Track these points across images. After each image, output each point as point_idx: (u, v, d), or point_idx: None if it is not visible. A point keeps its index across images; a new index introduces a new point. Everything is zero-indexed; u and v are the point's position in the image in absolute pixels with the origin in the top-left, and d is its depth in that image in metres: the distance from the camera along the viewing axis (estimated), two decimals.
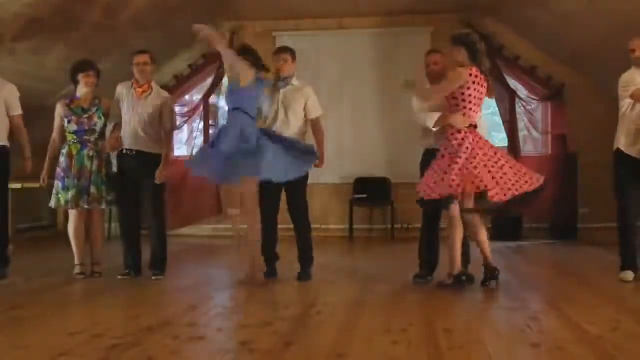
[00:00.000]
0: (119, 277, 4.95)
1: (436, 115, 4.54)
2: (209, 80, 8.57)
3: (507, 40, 8.20)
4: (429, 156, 4.66)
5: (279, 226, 5.06)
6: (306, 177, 4.94)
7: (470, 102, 4.42)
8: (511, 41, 8.19)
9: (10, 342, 3.09)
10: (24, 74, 6.25)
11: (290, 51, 5.08)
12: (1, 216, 4.99)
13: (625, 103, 4.68)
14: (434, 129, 4.57)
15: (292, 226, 5.04)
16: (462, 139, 4.36)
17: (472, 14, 8.18)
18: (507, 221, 7.79)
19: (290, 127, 4.93)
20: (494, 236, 7.66)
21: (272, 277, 4.97)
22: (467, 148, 4.34)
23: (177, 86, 8.27)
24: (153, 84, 5.14)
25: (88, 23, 6.51)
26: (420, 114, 4.71)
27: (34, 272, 5.32)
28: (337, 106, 8.11)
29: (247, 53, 4.86)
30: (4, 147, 5.01)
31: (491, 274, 4.50)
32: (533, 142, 8.22)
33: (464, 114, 4.41)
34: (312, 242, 5.03)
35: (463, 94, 4.40)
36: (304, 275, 4.92)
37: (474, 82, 4.40)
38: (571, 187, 7.78)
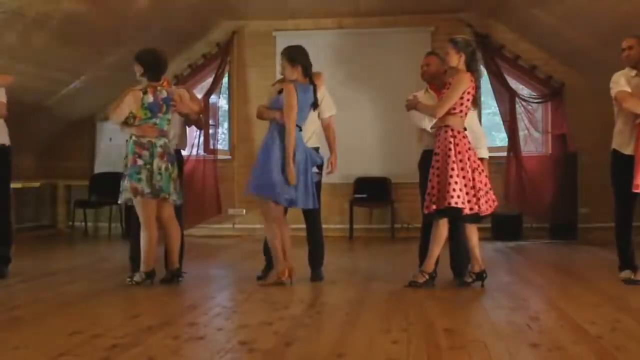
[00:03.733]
0: (128, 280, 4.70)
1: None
2: (209, 80, 8.57)
3: (507, 40, 8.21)
4: (427, 157, 4.68)
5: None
6: (320, 174, 4.94)
7: (466, 107, 4.51)
8: (511, 41, 8.20)
9: (10, 342, 3.09)
10: (23, 74, 6.25)
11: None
12: (4, 215, 4.99)
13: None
14: (431, 130, 4.60)
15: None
16: (459, 139, 4.44)
17: (472, 13, 8.18)
18: (507, 221, 7.80)
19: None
20: (494, 236, 7.71)
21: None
22: (460, 152, 4.42)
23: (177, 86, 8.25)
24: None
25: (88, 22, 6.50)
26: (417, 116, 4.73)
27: (34, 272, 5.32)
28: (337, 106, 8.11)
29: None
30: (4, 145, 5.00)
31: (477, 276, 4.59)
32: (533, 141, 8.23)
33: (460, 117, 4.49)
34: (324, 243, 5.04)
35: (462, 97, 4.46)
36: (317, 275, 4.92)
37: (472, 88, 4.51)
38: (571, 187, 7.78)
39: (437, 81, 4.82)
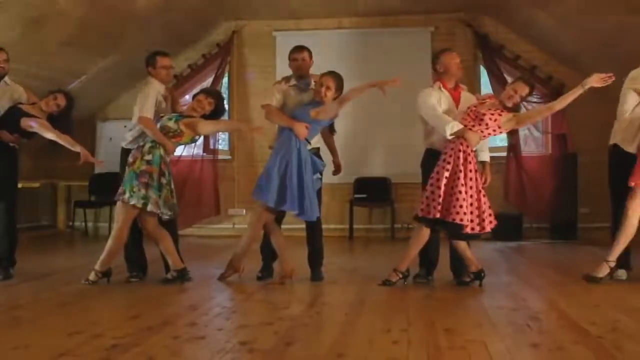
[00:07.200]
0: (131, 279, 4.90)
1: (457, 125, 4.48)
2: (209, 80, 8.57)
3: (507, 40, 8.22)
4: (431, 156, 4.67)
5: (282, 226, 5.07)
6: (321, 179, 4.96)
7: (489, 134, 4.52)
8: (511, 41, 8.21)
9: (10, 342, 3.09)
10: (23, 74, 6.24)
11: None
12: (11, 217, 4.98)
13: (629, 98, 4.66)
14: (450, 137, 4.47)
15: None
16: (472, 158, 4.44)
17: (472, 13, 8.19)
18: (507, 221, 7.79)
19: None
20: (494, 236, 7.70)
21: (269, 276, 4.99)
22: (471, 170, 4.41)
23: (177, 86, 8.26)
24: None
25: (88, 23, 6.51)
26: (437, 120, 4.59)
27: (34, 272, 5.32)
28: None
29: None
30: (12, 147, 5.01)
31: (475, 275, 4.60)
32: (533, 141, 8.24)
33: (479, 137, 4.48)
34: (323, 243, 5.05)
35: (495, 130, 4.49)
36: (317, 275, 4.92)
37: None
38: (571, 187, 7.79)
39: (455, 80, 4.77)
